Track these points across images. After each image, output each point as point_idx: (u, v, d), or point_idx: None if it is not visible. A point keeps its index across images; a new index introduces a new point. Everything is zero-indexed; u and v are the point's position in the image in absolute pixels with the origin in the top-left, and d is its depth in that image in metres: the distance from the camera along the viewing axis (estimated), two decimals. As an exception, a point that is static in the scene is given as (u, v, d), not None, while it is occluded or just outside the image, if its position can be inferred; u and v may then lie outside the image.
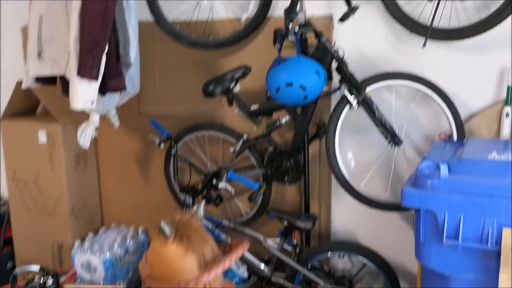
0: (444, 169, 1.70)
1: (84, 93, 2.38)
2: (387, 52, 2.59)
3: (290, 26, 2.29)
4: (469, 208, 1.63)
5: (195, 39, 2.78)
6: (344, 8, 2.36)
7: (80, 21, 2.33)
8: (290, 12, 2.25)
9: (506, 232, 1.57)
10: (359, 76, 2.44)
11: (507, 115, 2.31)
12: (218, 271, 1.88)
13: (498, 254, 1.59)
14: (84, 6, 2.32)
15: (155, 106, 3.05)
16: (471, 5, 2.34)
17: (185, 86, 2.97)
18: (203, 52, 2.84)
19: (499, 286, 1.59)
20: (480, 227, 1.63)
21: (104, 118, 2.72)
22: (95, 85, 2.37)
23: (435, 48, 2.46)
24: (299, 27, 2.36)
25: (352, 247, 2.55)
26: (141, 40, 2.63)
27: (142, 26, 2.64)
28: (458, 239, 1.65)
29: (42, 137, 3.04)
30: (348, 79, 2.37)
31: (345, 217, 2.82)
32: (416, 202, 1.71)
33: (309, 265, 2.62)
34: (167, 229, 1.87)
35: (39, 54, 2.60)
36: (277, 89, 2.28)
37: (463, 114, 2.41)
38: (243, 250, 2.02)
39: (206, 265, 1.90)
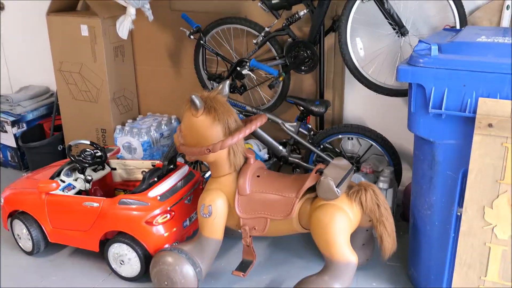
0: (434, 49, 1.95)
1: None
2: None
3: None
4: (452, 81, 1.89)
5: None
6: None
7: None
8: None
9: (481, 101, 1.85)
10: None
11: (507, 7, 2.49)
12: (240, 136, 2.23)
13: (474, 120, 1.87)
14: None
15: (185, 1, 3.29)
16: None
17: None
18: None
19: (472, 147, 1.89)
20: (460, 98, 1.90)
21: (139, 13, 2.99)
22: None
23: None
24: None
25: (360, 130, 2.85)
26: None
27: None
28: (441, 108, 1.93)
29: (84, 30, 3.35)
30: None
31: (356, 104, 3.11)
32: (409, 77, 1.97)
33: (322, 146, 2.95)
34: (197, 101, 2.20)
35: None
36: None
37: (468, 7, 2.59)
38: (261, 121, 2.35)
39: (230, 133, 2.25)
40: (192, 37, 3.07)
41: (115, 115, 3.57)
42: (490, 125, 1.84)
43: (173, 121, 3.58)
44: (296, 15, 2.79)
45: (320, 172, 2.23)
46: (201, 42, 3.07)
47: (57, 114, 3.79)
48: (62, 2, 3.51)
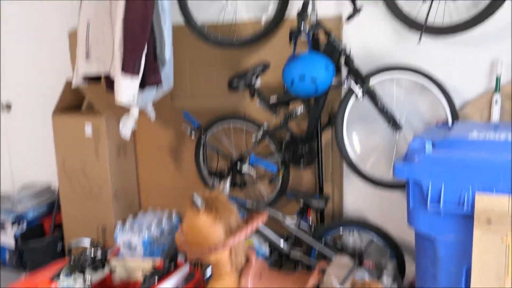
0: (428, 146, 2.01)
1: (127, 88, 2.76)
2: (390, 47, 2.89)
3: (302, 27, 2.62)
4: (448, 177, 1.93)
5: (221, 39, 3.13)
6: (351, 9, 2.69)
7: (123, 26, 2.72)
8: (302, 14, 2.59)
9: (478, 197, 1.87)
10: (365, 69, 2.76)
11: (496, 102, 2.59)
12: (241, 236, 2.23)
13: (473, 215, 1.89)
14: (126, 13, 2.71)
15: (186, 100, 3.42)
16: (462, 4, 2.63)
17: (213, 81, 3.33)
18: (228, 50, 3.19)
19: (473, 242, 1.89)
20: (458, 193, 1.93)
21: (142, 112, 3.10)
22: (137, 80, 2.75)
23: (432, 42, 2.75)
24: (310, 27, 2.69)
25: (361, 224, 2.86)
26: (174, 42, 3.00)
27: (175, 29, 3.01)
28: (440, 204, 1.95)
29: (88, 129, 3.45)
30: (354, 72, 2.69)
31: (356, 197, 3.13)
32: (405, 174, 2.02)
33: (323, 241, 2.93)
34: (198, 200, 2.23)
35: (87, 55, 3.01)
36: (292, 82, 2.62)
37: (458, 102, 2.70)
38: (262, 219, 2.36)
39: (231, 232, 2.26)
40: (193, 134, 3.15)
41: (116, 212, 3.58)
42: (489, 221, 1.86)
43: (173, 217, 3.58)
44: (294, 113, 2.89)
45: (323, 271, 2.20)
46: (202, 140, 3.15)
47: (58, 211, 3.80)
48: (67, 102, 3.65)
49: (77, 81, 3.12)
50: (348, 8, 2.78)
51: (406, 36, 2.81)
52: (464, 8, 2.63)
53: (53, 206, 3.90)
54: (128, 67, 2.70)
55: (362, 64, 2.82)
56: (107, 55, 2.90)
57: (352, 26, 2.88)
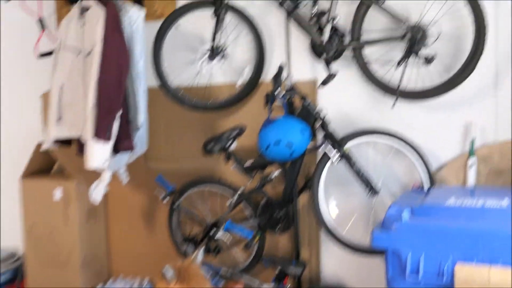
0: (406, 214, 1.97)
1: (98, 154, 2.69)
2: (365, 111, 2.91)
3: (277, 92, 2.62)
4: (427, 246, 1.88)
5: (196, 102, 3.11)
6: (326, 73, 2.71)
7: (97, 89, 2.68)
8: (277, 79, 2.60)
9: (458, 267, 1.82)
10: (341, 132, 2.76)
11: (471, 165, 2.59)
12: (214, 308, 2.13)
13: (453, 287, 1.82)
14: (100, 75, 2.68)
15: (161, 162, 3.35)
16: (434, 70, 2.67)
17: (188, 144, 3.28)
18: (204, 113, 3.17)
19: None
20: (437, 263, 1.87)
21: (114, 175, 3.02)
22: (109, 146, 2.69)
23: (407, 106, 2.77)
24: (285, 92, 2.70)
25: (339, 290, 2.77)
26: (149, 103, 2.97)
27: (150, 91, 3.00)
28: (419, 275, 1.89)
29: (58, 193, 3.34)
30: (329, 136, 2.67)
31: (334, 262, 3.05)
32: (384, 243, 1.96)
33: (302, 308, 2.82)
34: (169, 273, 2.13)
35: (59, 118, 2.95)
36: (267, 147, 2.59)
37: (434, 164, 2.70)
38: (237, 288, 2.26)
39: (204, 305, 2.15)
40: (166, 199, 3.07)
41: (84, 280, 3.40)
42: (470, 293, 1.79)
43: (146, 285, 3.42)
44: (269, 177, 2.84)
45: None
46: (175, 204, 3.07)
47: (22, 279, 3.61)
48: (37, 165, 3.54)
49: (47, 145, 3.04)
50: (323, 72, 2.80)
51: (381, 100, 2.83)
52: (436, 73, 2.68)
53: (17, 274, 3.70)
54: (100, 132, 2.64)
55: (338, 127, 2.81)
56: (80, 118, 2.84)
57: (327, 90, 2.89)
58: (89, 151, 2.70)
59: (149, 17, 3.26)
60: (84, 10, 2.85)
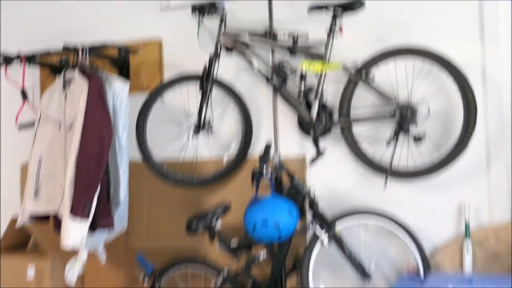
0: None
1: (75, 231, 2.54)
2: (355, 190, 2.82)
3: (264, 170, 2.52)
4: None
5: (181, 178, 3.00)
6: (315, 150, 2.63)
7: (76, 164, 2.57)
8: (264, 157, 2.51)
9: None
10: (331, 211, 2.65)
11: (467, 250, 2.48)
12: None
13: None
14: (81, 149, 2.57)
15: (143, 241, 3.19)
16: (425, 149, 2.61)
17: (171, 221, 3.14)
18: (189, 189, 3.05)
19: None
20: None
21: (92, 254, 2.85)
22: (86, 224, 2.54)
23: (398, 186, 2.69)
24: (273, 170, 2.61)
25: None
26: (132, 178, 2.86)
27: (132, 165, 2.89)
28: None
29: (31, 272, 3.13)
30: (319, 217, 2.56)
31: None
32: None
33: None
34: None
35: (36, 192, 2.81)
36: (253, 227, 2.46)
37: (428, 247, 2.58)
38: None
39: None
40: (146, 281, 2.89)
41: None
42: None
43: None
44: (256, 259, 2.69)
45: None
46: (156, 285, 2.89)
47: None
48: (12, 240, 3.36)
49: (22, 220, 2.89)
50: (311, 149, 2.73)
51: (371, 179, 2.75)
52: (427, 153, 2.62)
53: None
54: (78, 209, 2.50)
55: (328, 206, 2.72)
56: (58, 193, 2.71)
57: (316, 167, 2.81)
58: (65, 229, 2.55)
59: (134, 89, 3.22)
60: (67, 81, 2.79)
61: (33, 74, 3.54)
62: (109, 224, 2.66)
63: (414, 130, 2.55)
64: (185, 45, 3.14)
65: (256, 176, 2.57)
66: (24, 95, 3.02)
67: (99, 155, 2.57)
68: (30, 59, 3.05)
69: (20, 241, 3.42)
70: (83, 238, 2.57)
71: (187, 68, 3.01)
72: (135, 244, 3.19)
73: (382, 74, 2.66)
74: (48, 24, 3.54)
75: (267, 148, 2.53)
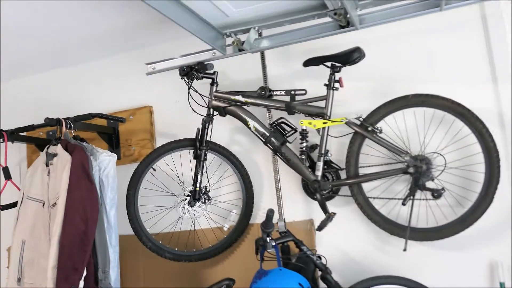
0: None
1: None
2: (371, 253, 2.55)
3: (268, 240, 2.27)
4: None
5: (178, 252, 2.73)
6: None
7: (59, 247, 2.32)
8: (266, 225, 2.25)
9: None
10: (346, 279, 2.37)
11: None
12: None
13: None
14: (64, 231, 2.33)
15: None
16: (445, 204, 2.36)
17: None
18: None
19: None
20: None
21: None
22: (71, 313, 2.27)
23: (419, 245, 2.42)
24: (278, 238, 2.35)
25: None
26: (126, 253, 2.61)
27: (127, 238, 2.67)
28: None
29: None
30: (334, 288, 2.28)
31: None
32: None
33: None
34: None
35: (19, 280, 2.56)
36: (261, 306, 2.17)
37: None
38: None
39: None
40: None
41: None
42: None
43: None
44: None
45: None
46: None
47: None
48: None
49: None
50: (320, 212, 2.46)
51: (387, 240, 2.48)
52: (449, 208, 2.36)
53: None
54: (61, 297, 2.23)
55: (343, 274, 2.45)
56: (42, 279, 2.44)
57: (326, 231, 2.54)
58: (48, 322, 2.26)
59: (125, 160, 3.03)
60: (51, 157, 2.59)
61: (20, 150, 3.37)
62: (96, 312, 2.38)
63: (431, 184, 2.30)
64: (177, 110, 2.96)
65: (260, 248, 2.31)
66: (6, 173, 2.81)
67: (84, 235, 2.32)
68: (12, 134, 2.87)
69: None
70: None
71: (181, 133, 2.81)
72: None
73: (391, 125, 2.45)
74: (33, 99, 3.42)
75: (269, 215, 2.28)
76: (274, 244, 2.27)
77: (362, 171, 2.46)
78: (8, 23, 2.60)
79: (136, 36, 2.96)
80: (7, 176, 2.81)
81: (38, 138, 3.08)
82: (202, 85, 2.63)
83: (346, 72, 2.45)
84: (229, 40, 2.42)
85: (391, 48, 2.61)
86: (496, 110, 2.42)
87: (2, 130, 2.83)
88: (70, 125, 2.66)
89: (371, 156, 2.48)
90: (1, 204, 2.82)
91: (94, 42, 3.01)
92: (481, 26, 2.49)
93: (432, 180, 2.31)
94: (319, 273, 2.35)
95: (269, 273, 2.25)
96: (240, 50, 2.43)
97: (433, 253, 2.43)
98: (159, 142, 2.98)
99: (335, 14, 2.18)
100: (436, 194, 2.28)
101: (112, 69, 3.22)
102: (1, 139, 2.83)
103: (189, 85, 2.61)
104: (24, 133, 3.09)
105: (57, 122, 2.64)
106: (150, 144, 3.02)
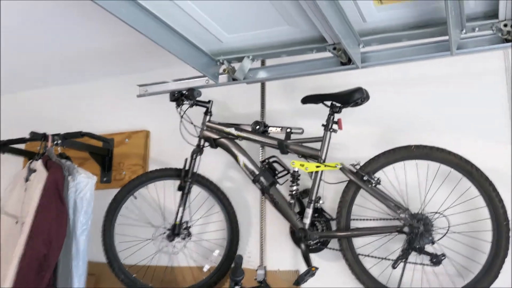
0: None
1: None
2: (359, 317, 2.27)
3: (235, 290, 2.04)
4: None
5: (150, 289, 2.53)
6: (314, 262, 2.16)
7: (17, 268, 2.16)
8: (234, 274, 2.03)
9: None
10: None
11: None
12: None
13: None
14: (24, 254, 2.18)
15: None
16: (444, 271, 2.07)
17: None
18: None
19: None
20: None
21: None
22: None
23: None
24: (255, 287, 2.14)
25: None
26: (102, 280, 2.48)
27: (103, 266, 2.50)
28: None
29: None
30: None
31: None
32: None
33: None
34: None
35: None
36: None
37: None
38: None
39: None
40: None
41: None
42: None
43: None
44: None
45: None
46: None
47: None
48: None
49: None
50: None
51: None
52: (447, 277, 2.07)
53: None
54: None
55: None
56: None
57: (311, 286, 2.30)
58: None
59: (115, 184, 2.89)
60: (30, 173, 2.47)
61: (18, 162, 3.29)
62: None
63: (430, 248, 2.04)
64: (175, 137, 2.80)
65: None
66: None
67: (44, 260, 2.16)
68: (3, 146, 2.79)
69: None
70: None
71: (175, 162, 2.63)
72: None
73: (390, 177, 2.21)
74: (33, 113, 3.37)
75: (237, 262, 2.06)
76: (243, 294, 2.05)
77: (355, 224, 2.22)
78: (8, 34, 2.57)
79: (140, 59, 2.87)
80: (-9, 189, 2.72)
81: (30, 151, 2.98)
82: (200, 114, 2.48)
83: (352, 115, 2.24)
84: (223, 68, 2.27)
85: (402, 92, 2.40)
86: (510, 172, 2.15)
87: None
88: (57, 142, 2.55)
89: (368, 209, 2.24)
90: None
91: (99, 61, 2.94)
92: (504, 78, 2.25)
93: (432, 243, 2.05)
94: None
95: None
96: (234, 79, 2.26)
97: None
98: (152, 168, 2.82)
99: (334, 48, 1.99)
100: (435, 260, 2.01)
101: (113, 90, 3.14)
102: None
103: (180, 112, 2.46)
104: (22, 146, 3.05)
105: (43, 137, 2.53)
106: (141, 170, 2.87)
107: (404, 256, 2.01)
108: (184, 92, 2.40)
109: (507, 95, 2.23)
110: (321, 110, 2.24)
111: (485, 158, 2.08)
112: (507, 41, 1.86)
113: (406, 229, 2.03)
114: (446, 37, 1.81)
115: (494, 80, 2.26)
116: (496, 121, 2.21)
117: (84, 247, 2.36)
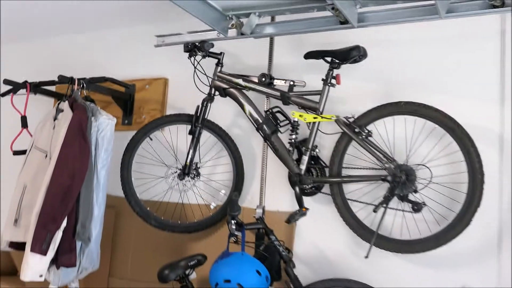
0: None
1: (34, 266, 2.42)
2: (347, 256, 2.53)
3: (232, 224, 2.29)
4: None
5: (163, 221, 2.82)
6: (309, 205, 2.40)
7: (45, 197, 2.47)
8: (231, 209, 2.28)
9: None
10: (316, 277, 2.38)
11: None
12: None
13: None
14: (51, 183, 2.48)
15: (124, 282, 3.02)
16: (423, 219, 2.28)
17: (155, 265, 2.94)
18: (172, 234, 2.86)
19: None
20: None
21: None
22: (45, 260, 2.42)
23: (395, 257, 2.36)
24: (248, 224, 2.38)
25: None
26: (121, 214, 2.70)
27: (123, 200, 2.79)
28: None
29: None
30: (293, 282, 2.28)
31: None
32: None
33: None
34: None
35: (16, 221, 2.73)
36: (216, 285, 2.22)
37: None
38: None
39: None
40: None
41: None
42: None
43: None
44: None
45: None
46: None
47: None
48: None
49: (2, 246, 2.82)
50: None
51: (364, 245, 2.41)
52: (425, 224, 2.28)
53: None
54: (36, 244, 2.39)
55: (314, 271, 2.49)
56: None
57: (306, 227, 2.56)
58: (25, 262, 2.43)
59: (135, 126, 3.13)
60: (58, 112, 2.75)
61: (49, 103, 3.56)
62: (71, 262, 2.51)
63: (412, 197, 2.24)
64: (191, 86, 3.02)
65: (229, 232, 2.34)
66: (23, 122, 3.01)
67: (68, 190, 2.45)
68: (35, 87, 3.07)
69: (8, 269, 3.36)
70: (42, 274, 2.44)
71: (190, 108, 2.86)
72: (117, 285, 3.02)
73: (380, 130, 2.39)
74: (59, 60, 3.63)
75: (233, 198, 2.31)
76: (234, 227, 2.29)
77: (346, 172, 2.43)
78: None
79: (165, 8, 3.01)
80: (24, 125, 3.00)
81: (59, 93, 3.25)
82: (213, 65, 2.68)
83: (348, 71, 2.41)
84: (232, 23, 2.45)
85: (401, 52, 2.54)
86: (498, 131, 2.30)
87: (26, 81, 3.03)
88: (83, 85, 2.81)
89: (358, 159, 2.43)
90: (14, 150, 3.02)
91: (123, 10, 3.12)
92: (499, 41, 2.36)
93: (415, 192, 2.25)
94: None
95: (231, 255, 2.28)
96: (242, 34, 2.44)
97: (408, 267, 2.37)
98: (169, 113, 3.06)
99: (332, 8, 2.14)
100: (416, 207, 2.21)
101: (136, 39, 3.34)
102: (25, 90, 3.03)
103: (194, 62, 2.66)
104: (53, 88, 3.31)
105: (70, 80, 2.79)
106: (159, 115, 3.12)
107: (384, 202, 2.23)
108: (197, 44, 2.60)
109: (499, 58, 2.34)
110: (325, 66, 2.41)
111: (474, 117, 2.25)
112: (494, 6, 1.98)
113: (389, 178, 2.24)
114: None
115: (488, 42, 2.37)
116: (488, 82, 2.34)
117: (104, 180, 2.66)
